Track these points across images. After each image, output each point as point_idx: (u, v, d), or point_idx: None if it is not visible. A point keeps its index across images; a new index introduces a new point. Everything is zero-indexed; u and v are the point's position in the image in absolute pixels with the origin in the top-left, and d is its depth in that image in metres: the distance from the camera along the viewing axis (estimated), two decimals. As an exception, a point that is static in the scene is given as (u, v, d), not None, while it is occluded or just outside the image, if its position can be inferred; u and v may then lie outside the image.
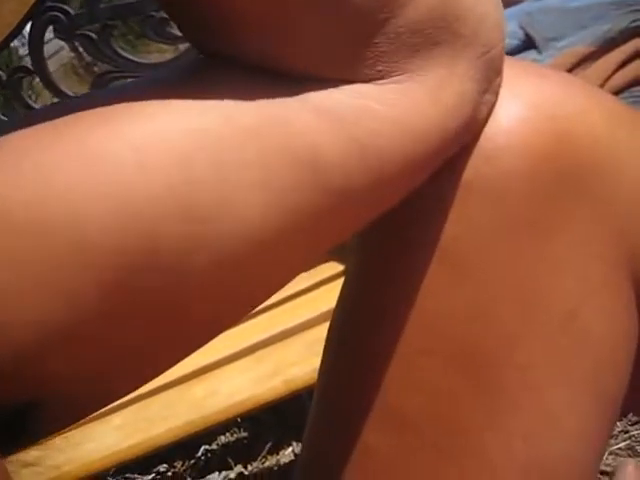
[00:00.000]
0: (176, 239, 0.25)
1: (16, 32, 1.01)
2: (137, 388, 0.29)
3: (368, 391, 0.34)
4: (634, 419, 1.06)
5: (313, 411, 0.38)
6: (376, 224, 0.34)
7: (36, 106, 1.09)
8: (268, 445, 1.20)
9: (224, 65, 0.28)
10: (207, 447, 1.25)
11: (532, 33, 1.00)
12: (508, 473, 0.33)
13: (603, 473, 0.96)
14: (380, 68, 0.28)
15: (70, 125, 0.25)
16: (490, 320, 0.32)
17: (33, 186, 0.23)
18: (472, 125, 0.31)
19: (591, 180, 0.32)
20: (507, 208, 0.32)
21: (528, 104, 0.32)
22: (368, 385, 0.34)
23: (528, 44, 1.01)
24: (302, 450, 0.40)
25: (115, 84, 1.03)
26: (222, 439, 1.26)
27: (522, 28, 1.01)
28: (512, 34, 1.01)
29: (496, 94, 0.32)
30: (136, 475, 1.24)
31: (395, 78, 0.28)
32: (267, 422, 1.22)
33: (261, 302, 0.30)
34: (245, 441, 1.25)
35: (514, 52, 1.01)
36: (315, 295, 0.91)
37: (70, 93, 1.06)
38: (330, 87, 0.27)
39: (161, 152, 0.25)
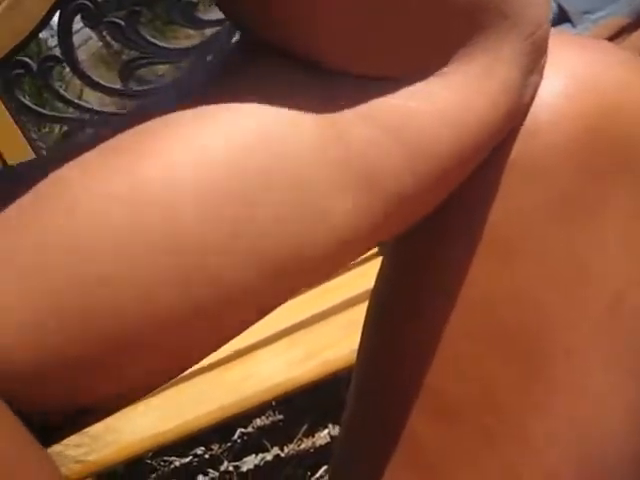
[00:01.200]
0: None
1: (45, 21, 1.01)
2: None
3: (411, 377, 0.34)
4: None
5: (352, 395, 0.38)
6: None
7: (66, 95, 1.10)
8: (304, 427, 1.21)
9: (274, 65, 0.27)
10: (243, 430, 1.26)
11: (565, 6, 0.99)
12: (553, 456, 0.32)
13: None
14: (422, 61, 0.27)
15: (119, 160, 0.25)
16: (534, 303, 0.32)
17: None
18: (518, 110, 0.30)
19: (637, 152, 0.31)
20: (550, 185, 0.31)
21: (570, 77, 0.31)
22: (411, 371, 0.34)
23: (561, 17, 0.99)
24: (341, 432, 0.39)
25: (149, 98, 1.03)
26: (258, 422, 1.27)
27: (555, 1, 0.99)
28: None
29: (541, 74, 0.31)
30: (174, 458, 1.25)
31: (438, 70, 0.27)
32: (302, 404, 1.23)
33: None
34: (281, 424, 1.26)
35: (547, 26, 1.00)
36: (349, 277, 0.91)
37: (99, 81, 1.07)
38: (374, 88, 0.27)
39: (221, 191, 0.25)
